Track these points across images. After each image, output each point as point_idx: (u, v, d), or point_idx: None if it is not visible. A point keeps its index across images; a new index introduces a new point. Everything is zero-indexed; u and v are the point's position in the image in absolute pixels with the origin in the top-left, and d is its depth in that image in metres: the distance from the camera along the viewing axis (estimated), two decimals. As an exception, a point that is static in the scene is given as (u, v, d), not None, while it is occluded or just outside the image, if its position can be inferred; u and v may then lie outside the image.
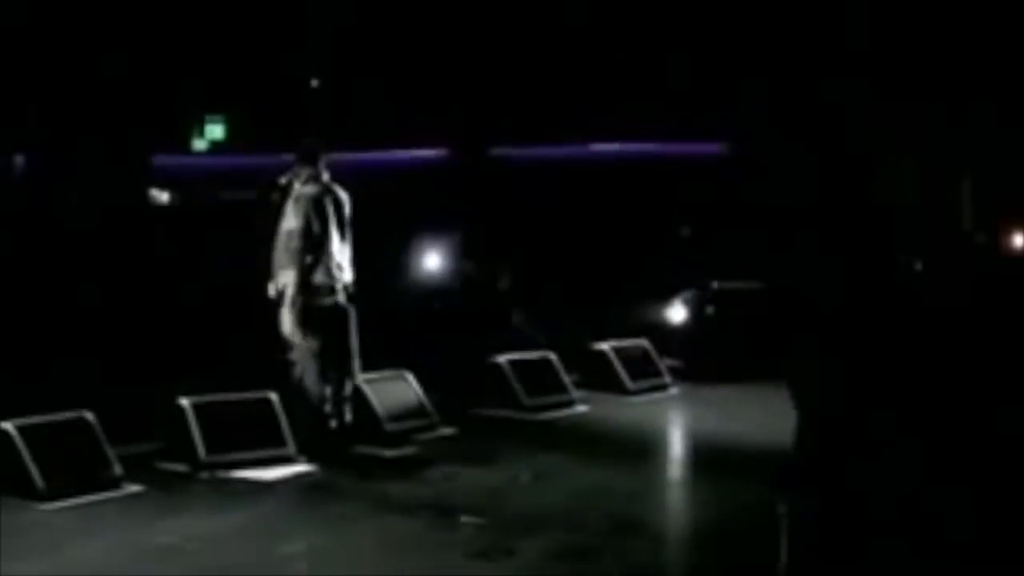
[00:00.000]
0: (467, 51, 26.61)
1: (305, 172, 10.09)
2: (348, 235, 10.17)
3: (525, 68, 26.12)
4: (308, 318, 9.84)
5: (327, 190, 10.11)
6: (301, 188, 10.03)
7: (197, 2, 26.86)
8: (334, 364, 9.97)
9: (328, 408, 9.91)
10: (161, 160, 29.17)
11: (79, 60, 25.83)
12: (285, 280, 9.87)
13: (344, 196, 10.23)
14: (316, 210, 9.93)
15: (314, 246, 9.88)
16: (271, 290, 9.98)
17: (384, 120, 27.37)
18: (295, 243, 9.83)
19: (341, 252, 10.07)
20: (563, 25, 25.59)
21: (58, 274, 18.37)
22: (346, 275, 10.08)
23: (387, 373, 10.96)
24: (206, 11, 27.01)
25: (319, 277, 9.91)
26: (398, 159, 28.09)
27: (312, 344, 9.86)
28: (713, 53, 23.68)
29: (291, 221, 9.91)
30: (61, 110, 26.00)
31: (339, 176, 10.35)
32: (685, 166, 24.70)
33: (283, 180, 10.17)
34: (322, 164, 10.17)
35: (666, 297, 15.57)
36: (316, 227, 9.89)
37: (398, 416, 10.69)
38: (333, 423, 9.93)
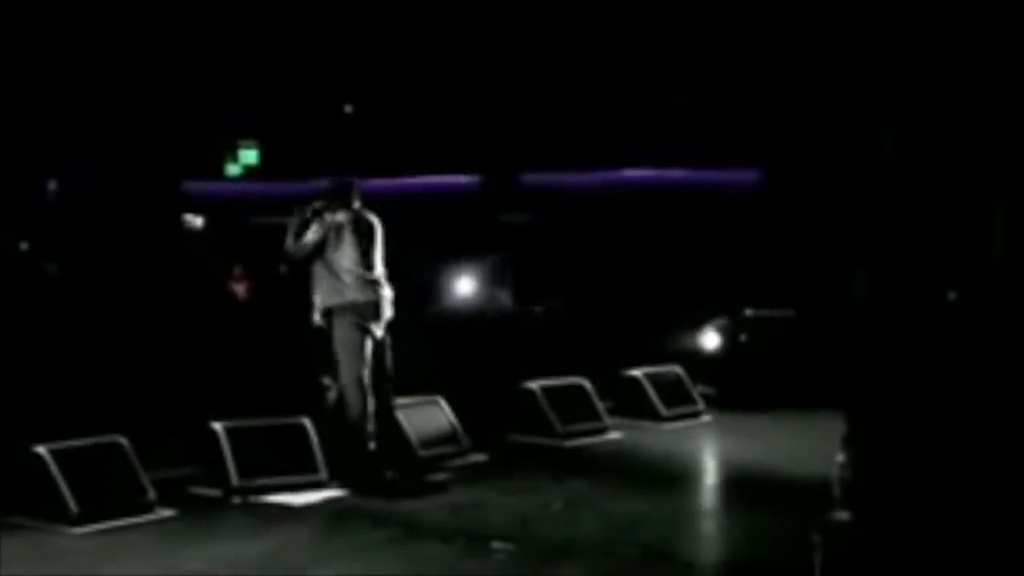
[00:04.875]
0: (501, 78, 26.67)
1: (336, 203, 10.17)
2: (381, 258, 10.20)
3: (558, 94, 26.15)
4: (357, 337, 9.89)
5: (357, 217, 10.15)
6: (331, 216, 10.08)
7: (232, 29, 27.03)
8: (372, 391, 9.97)
9: (368, 432, 9.88)
10: (195, 186, 29.36)
11: (115, 86, 26.05)
12: (318, 301, 10.00)
13: (375, 220, 10.27)
14: (336, 233, 9.99)
15: (333, 269, 9.94)
16: (316, 317, 10.04)
17: (417, 146, 27.46)
18: (302, 248, 9.98)
19: (377, 272, 10.10)
20: (597, 52, 25.62)
21: (91, 298, 18.48)
22: (386, 294, 10.10)
23: (419, 399, 10.94)
24: (241, 37, 27.18)
25: (359, 295, 9.95)
26: (430, 185, 28.16)
27: (357, 365, 9.87)
28: (755, 82, 23.68)
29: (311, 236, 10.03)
30: (95, 136, 26.21)
31: (371, 202, 10.39)
32: (718, 193, 24.67)
33: (317, 204, 10.21)
34: (354, 195, 10.23)
35: (699, 324, 15.52)
36: (331, 249, 9.95)
37: (430, 442, 10.67)
38: (372, 445, 9.92)
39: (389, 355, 10.09)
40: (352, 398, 9.85)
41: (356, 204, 10.22)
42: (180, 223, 29.02)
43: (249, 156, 31.80)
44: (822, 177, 19.16)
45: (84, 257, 23.06)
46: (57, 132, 25.70)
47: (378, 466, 9.87)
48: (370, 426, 9.88)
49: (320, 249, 9.99)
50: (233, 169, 31.95)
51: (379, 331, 10.01)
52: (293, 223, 10.13)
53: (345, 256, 9.97)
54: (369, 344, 9.95)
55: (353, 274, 9.95)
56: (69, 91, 25.46)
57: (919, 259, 6.24)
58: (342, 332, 9.92)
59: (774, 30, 22.57)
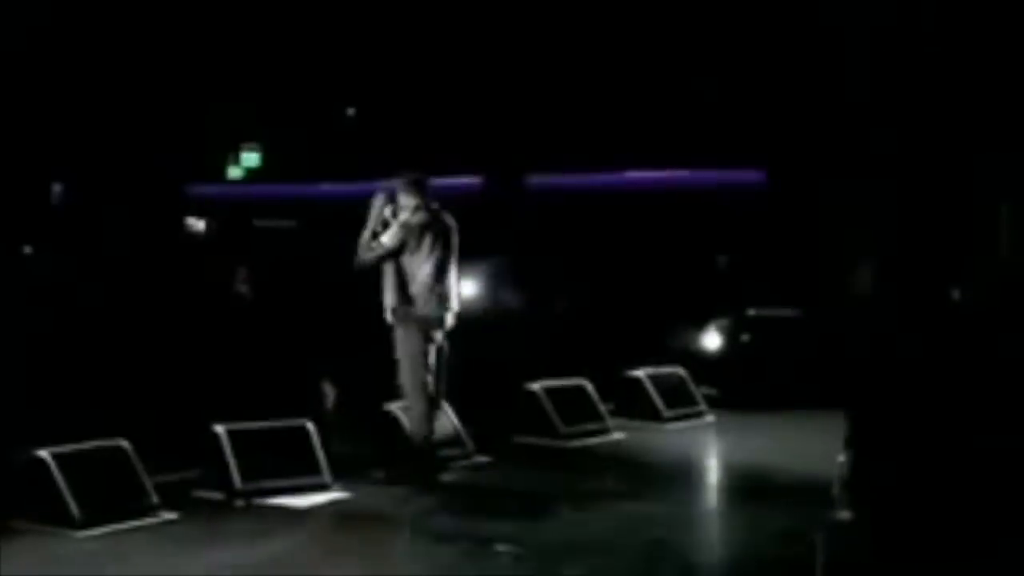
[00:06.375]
0: (503, 79, 26.66)
1: (412, 202, 9.88)
2: (455, 263, 10.00)
3: (562, 96, 26.15)
4: (422, 347, 9.79)
5: (435, 219, 9.91)
6: (409, 217, 9.83)
7: (234, 31, 27.05)
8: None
9: (430, 436, 9.87)
10: (197, 189, 29.37)
11: (118, 88, 26.07)
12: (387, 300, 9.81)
13: (452, 223, 10.03)
14: (417, 238, 9.77)
15: (405, 273, 9.77)
16: (389, 316, 9.88)
17: (419, 148, 27.44)
18: (378, 255, 9.72)
19: (448, 281, 9.92)
20: (600, 53, 25.62)
21: (92, 301, 18.46)
22: (453, 305, 9.96)
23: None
24: (243, 40, 27.20)
25: (427, 308, 9.80)
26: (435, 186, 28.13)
27: (422, 374, 9.78)
28: (756, 83, 23.68)
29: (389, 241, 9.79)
30: (98, 140, 26.23)
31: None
32: (722, 194, 24.66)
33: (387, 213, 9.93)
34: (428, 192, 9.98)
35: (701, 324, 15.50)
36: (406, 256, 9.74)
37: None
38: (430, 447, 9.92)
39: (445, 364, 10.02)
40: (416, 403, 9.76)
41: (434, 204, 9.95)
42: (182, 226, 29.02)
43: (251, 159, 31.82)
44: (824, 177, 19.17)
45: (87, 260, 23.04)
46: (61, 135, 25.72)
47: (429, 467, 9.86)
48: (429, 430, 9.84)
49: (395, 253, 9.78)
50: (235, 172, 31.97)
51: (439, 337, 9.91)
52: (373, 216, 9.78)
53: (419, 264, 9.78)
54: (433, 351, 9.85)
55: (426, 286, 9.77)
56: (72, 94, 25.48)
57: (922, 258, 6.25)
58: (407, 342, 9.77)
59: (776, 30, 22.56)
